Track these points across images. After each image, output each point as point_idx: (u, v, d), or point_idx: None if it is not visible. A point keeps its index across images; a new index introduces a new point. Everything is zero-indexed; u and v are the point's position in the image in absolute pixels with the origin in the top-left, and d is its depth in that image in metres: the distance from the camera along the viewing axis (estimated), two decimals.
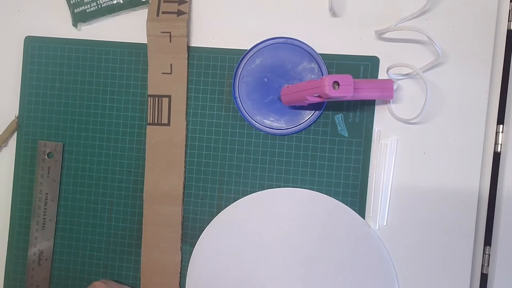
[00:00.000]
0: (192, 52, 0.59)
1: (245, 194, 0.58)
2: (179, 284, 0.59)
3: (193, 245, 0.59)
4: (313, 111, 0.57)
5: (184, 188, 0.59)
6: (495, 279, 0.54)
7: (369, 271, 0.55)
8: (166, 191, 0.59)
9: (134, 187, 0.60)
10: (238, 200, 0.58)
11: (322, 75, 0.57)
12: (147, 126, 0.59)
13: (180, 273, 0.59)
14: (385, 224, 0.56)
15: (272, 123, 0.58)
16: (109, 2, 0.59)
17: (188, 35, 0.59)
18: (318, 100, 0.51)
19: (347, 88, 0.49)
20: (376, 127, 0.57)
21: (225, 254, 0.57)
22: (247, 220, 0.57)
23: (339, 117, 0.57)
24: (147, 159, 0.59)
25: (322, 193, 0.57)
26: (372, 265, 0.55)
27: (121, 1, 0.59)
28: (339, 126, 0.57)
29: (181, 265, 0.59)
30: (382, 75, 0.56)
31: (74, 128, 0.61)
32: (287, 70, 0.57)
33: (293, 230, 0.57)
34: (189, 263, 0.58)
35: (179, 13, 0.58)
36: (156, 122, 0.59)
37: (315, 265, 0.56)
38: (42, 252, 0.61)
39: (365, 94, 0.52)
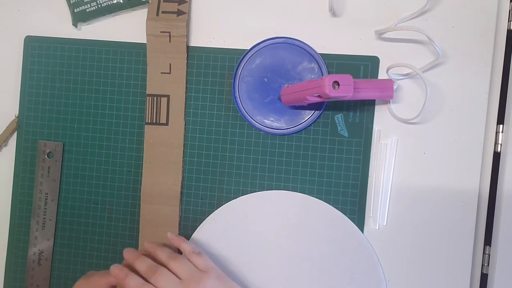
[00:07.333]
0: (192, 52, 0.59)
1: (244, 194, 0.58)
2: None
3: None
4: (313, 111, 0.57)
5: (182, 188, 0.59)
6: (495, 279, 0.54)
7: (356, 271, 0.55)
8: (163, 191, 0.59)
9: (134, 187, 0.60)
10: (230, 201, 0.58)
11: (322, 75, 0.57)
12: (145, 126, 0.59)
13: None
14: (385, 224, 0.56)
15: (272, 123, 0.58)
16: (109, 2, 0.59)
17: (187, 35, 0.59)
18: (318, 100, 0.51)
19: (347, 88, 0.49)
20: (376, 127, 0.57)
21: (213, 255, 0.57)
22: (238, 222, 0.57)
23: (339, 117, 0.57)
24: (144, 159, 0.59)
25: (322, 193, 0.57)
26: (360, 266, 0.55)
27: (121, 1, 0.59)
28: (339, 126, 0.57)
29: None
30: (382, 75, 0.56)
31: (74, 128, 0.61)
32: (287, 70, 0.57)
33: (284, 233, 0.56)
34: None
35: (179, 13, 0.58)
36: (154, 121, 0.59)
37: (303, 266, 0.56)
38: (42, 252, 0.61)
39: (365, 94, 0.52)
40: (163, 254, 0.51)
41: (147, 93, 0.59)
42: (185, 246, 0.53)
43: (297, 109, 0.57)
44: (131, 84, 0.60)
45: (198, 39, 0.59)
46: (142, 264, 0.50)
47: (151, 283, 0.48)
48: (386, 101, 0.56)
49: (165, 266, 0.50)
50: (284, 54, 0.57)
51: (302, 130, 0.57)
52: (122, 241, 0.60)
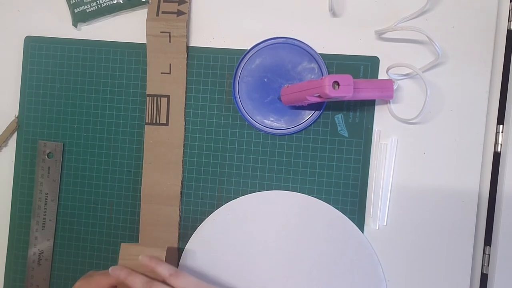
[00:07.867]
0: (192, 52, 0.59)
1: (244, 194, 0.58)
2: None
3: None
4: (313, 111, 0.57)
5: (182, 188, 0.59)
6: (495, 279, 0.54)
7: (356, 271, 0.55)
8: (163, 191, 0.59)
9: (134, 187, 0.60)
10: (230, 202, 0.58)
11: (322, 75, 0.57)
12: (145, 126, 0.59)
13: None
14: (385, 224, 0.56)
15: (272, 123, 0.58)
16: (109, 2, 0.59)
17: (187, 35, 0.59)
18: (318, 100, 0.51)
19: (347, 88, 0.49)
20: (376, 127, 0.57)
21: (213, 255, 0.57)
22: (238, 222, 0.57)
23: (339, 117, 0.57)
24: (144, 159, 0.59)
25: (322, 193, 0.57)
26: (360, 266, 0.55)
27: (121, 1, 0.59)
28: (339, 126, 0.57)
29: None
30: (382, 75, 0.56)
31: (74, 128, 0.61)
32: (287, 70, 0.57)
33: (284, 233, 0.56)
34: (179, 263, 0.58)
35: (179, 13, 0.58)
36: (154, 122, 0.59)
37: (303, 266, 0.56)
38: (42, 252, 0.61)
39: (365, 94, 0.52)
40: (163, 270, 0.50)
41: (147, 93, 0.59)
42: (160, 269, 0.50)
43: (297, 109, 0.57)
44: (131, 84, 0.60)
45: (198, 39, 0.59)
46: (136, 280, 0.50)
47: None
48: (386, 101, 0.56)
49: (166, 283, 0.49)
50: (284, 54, 0.57)
51: (302, 130, 0.57)
52: (122, 241, 0.60)
